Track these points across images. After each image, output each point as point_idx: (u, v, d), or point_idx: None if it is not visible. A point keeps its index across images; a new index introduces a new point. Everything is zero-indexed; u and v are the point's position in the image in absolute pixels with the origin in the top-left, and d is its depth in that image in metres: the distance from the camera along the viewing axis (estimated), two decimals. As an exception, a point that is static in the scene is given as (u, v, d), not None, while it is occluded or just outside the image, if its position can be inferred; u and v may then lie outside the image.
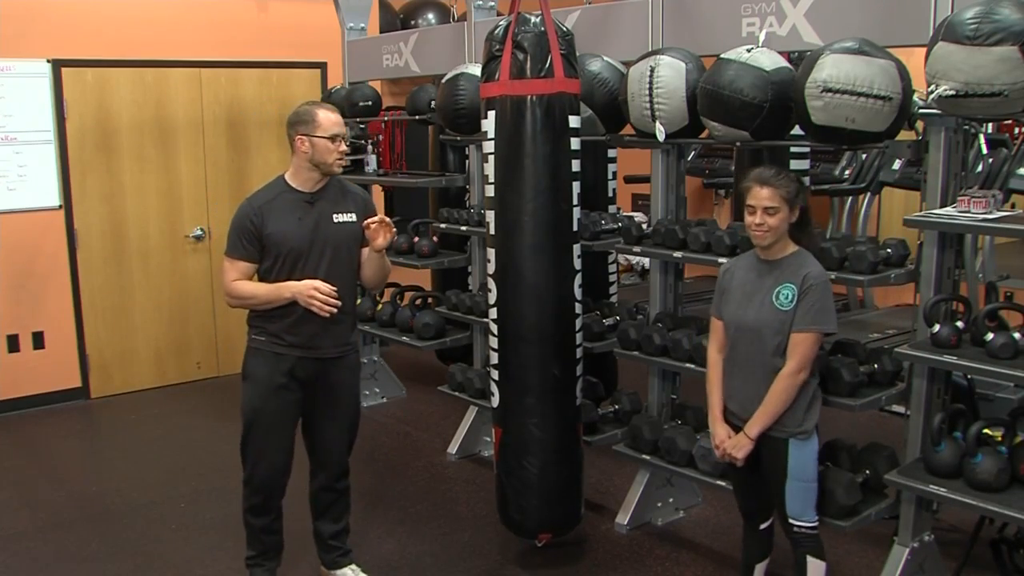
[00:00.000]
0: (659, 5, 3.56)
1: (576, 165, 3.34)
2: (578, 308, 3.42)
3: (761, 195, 2.64)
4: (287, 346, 3.02)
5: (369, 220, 3.04)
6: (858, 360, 3.09)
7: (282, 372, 3.03)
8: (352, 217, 3.07)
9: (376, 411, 5.45)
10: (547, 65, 3.20)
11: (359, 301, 5.15)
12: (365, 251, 3.10)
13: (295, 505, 3.29)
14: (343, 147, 3.00)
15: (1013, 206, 3.95)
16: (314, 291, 2.93)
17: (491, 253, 3.41)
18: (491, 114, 3.30)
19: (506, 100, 3.24)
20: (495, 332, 3.43)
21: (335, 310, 2.96)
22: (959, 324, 2.76)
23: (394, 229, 3.07)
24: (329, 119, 2.99)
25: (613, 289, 4.93)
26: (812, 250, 2.76)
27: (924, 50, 2.59)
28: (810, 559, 2.74)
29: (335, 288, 2.97)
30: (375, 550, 3.65)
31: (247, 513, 3.17)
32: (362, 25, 5.46)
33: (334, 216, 3.03)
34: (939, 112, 2.66)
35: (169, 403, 5.63)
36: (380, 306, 5.03)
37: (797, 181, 2.69)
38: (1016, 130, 4.81)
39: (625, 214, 4.36)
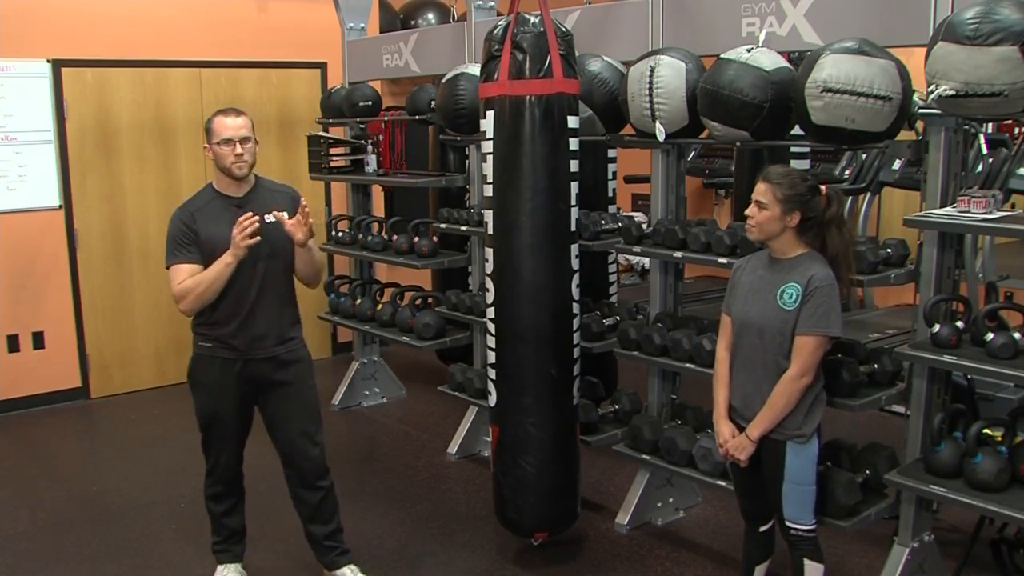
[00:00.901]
0: (659, 5, 3.56)
1: (575, 165, 3.34)
2: (576, 308, 3.42)
3: (757, 188, 2.65)
4: (233, 350, 3.05)
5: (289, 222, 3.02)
6: (858, 360, 3.09)
7: (232, 376, 3.06)
8: (284, 216, 3.06)
9: (376, 411, 5.45)
10: (546, 65, 3.20)
11: (359, 301, 5.17)
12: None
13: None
14: (238, 149, 2.98)
15: (1013, 206, 3.93)
16: (238, 235, 2.88)
17: (489, 253, 3.41)
18: (490, 114, 3.30)
19: (505, 100, 3.24)
20: (492, 331, 3.43)
21: (257, 222, 2.91)
22: (959, 324, 2.76)
23: (311, 220, 3.03)
24: (222, 124, 2.99)
25: (613, 289, 4.92)
26: (844, 256, 2.67)
27: (924, 50, 2.59)
28: (807, 562, 2.73)
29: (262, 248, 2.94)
30: (375, 550, 3.65)
31: (210, 501, 3.26)
32: (362, 25, 5.45)
33: (266, 217, 3.01)
34: (939, 112, 2.65)
35: (169, 403, 5.62)
36: (380, 306, 5.02)
37: (807, 187, 2.62)
38: (1016, 130, 4.80)
39: (625, 214, 4.35)
